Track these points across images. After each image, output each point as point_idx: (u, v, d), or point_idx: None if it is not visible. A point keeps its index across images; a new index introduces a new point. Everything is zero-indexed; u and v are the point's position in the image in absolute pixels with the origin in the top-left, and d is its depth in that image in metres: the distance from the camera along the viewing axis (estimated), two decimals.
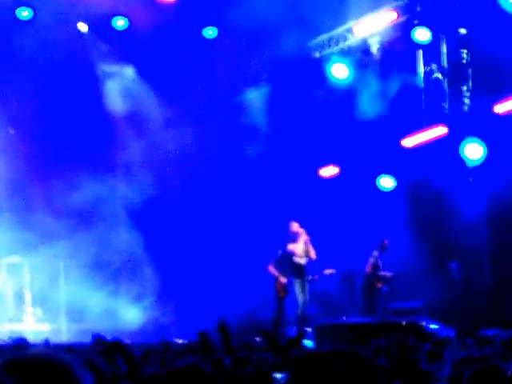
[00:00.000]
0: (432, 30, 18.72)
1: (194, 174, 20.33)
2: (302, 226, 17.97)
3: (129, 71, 20.96)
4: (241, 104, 20.69)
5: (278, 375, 6.39)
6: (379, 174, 19.68)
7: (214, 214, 20.22)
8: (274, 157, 19.82)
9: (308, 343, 9.77)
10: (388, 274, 18.51)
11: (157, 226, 20.39)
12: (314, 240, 17.96)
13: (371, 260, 18.48)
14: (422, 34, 18.77)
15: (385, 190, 19.73)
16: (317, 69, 20.05)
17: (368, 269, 18.49)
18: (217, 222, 20.18)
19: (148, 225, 20.38)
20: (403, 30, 19.02)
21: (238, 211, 19.92)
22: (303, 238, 17.82)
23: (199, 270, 20.03)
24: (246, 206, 19.80)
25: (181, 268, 20.14)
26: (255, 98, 20.39)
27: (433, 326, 14.89)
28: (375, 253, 18.52)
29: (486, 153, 18.12)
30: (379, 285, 18.49)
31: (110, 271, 20.26)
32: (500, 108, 17.70)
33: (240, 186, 19.84)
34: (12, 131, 20.35)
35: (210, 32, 20.89)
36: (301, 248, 17.76)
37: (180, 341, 12.67)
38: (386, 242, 18.50)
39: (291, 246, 17.84)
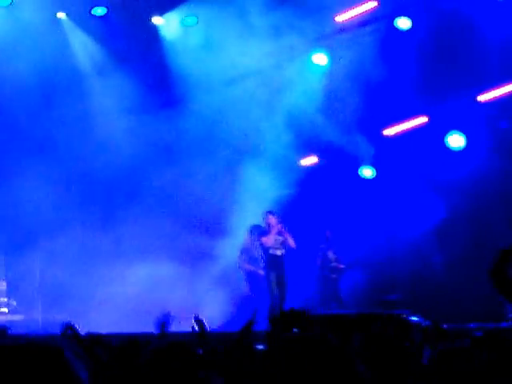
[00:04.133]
0: (412, 18, 18.72)
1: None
2: (279, 216, 17.73)
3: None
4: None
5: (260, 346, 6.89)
6: (361, 164, 19.67)
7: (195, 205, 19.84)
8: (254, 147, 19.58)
9: None
10: (340, 265, 19.03)
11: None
12: (302, 230, 17.92)
13: (319, 254, 19.01)
14: (402, 23, 18.88)
15: (366, 179, 19.76)
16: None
17: (318, 262, 19.02)
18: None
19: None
20: (384, 18, 18.97)
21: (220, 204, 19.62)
22: (276, 228, 17.53)
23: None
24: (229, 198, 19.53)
25: None
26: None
27: (414, 319, 14.83)
28: (322, 246, 19.05)
29: (466, 143, 18.21)
30: (333, 276, 18.96)
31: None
32: (482, 98, 17.79)
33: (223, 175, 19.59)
34: None
35: None
36: (273, 239, 17.48)
37: None
38: (328, 233, 19.06)
39: (264, 239, 17.57)
